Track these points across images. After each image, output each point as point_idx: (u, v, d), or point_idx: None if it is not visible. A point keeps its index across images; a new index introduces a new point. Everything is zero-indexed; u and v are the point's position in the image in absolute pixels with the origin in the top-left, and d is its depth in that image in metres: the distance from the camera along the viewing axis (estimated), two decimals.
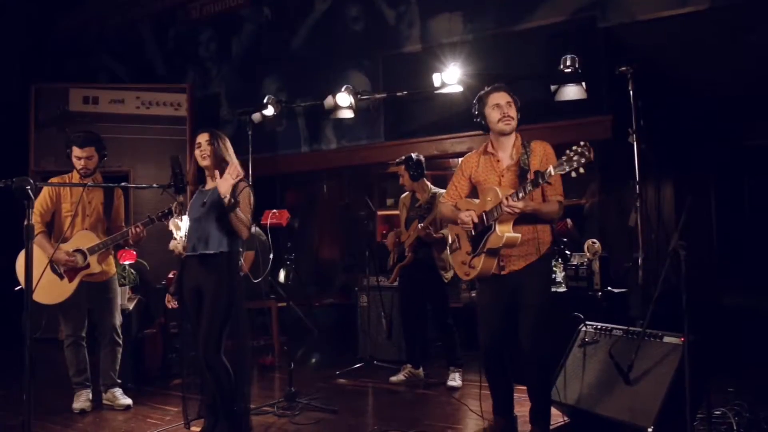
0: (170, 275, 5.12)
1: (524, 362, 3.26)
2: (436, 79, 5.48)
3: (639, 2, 5.35)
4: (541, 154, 3.21)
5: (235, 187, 3.39)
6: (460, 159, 6.79)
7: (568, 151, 2.89)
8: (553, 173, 2.94)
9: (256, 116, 6.15)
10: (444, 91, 5.54)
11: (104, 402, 4.22)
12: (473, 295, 5.96)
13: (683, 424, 2.94)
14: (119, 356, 4.24)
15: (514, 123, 3.23)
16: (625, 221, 5.51)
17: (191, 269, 3.43)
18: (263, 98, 6.44)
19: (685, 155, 6.10)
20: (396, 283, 4.88)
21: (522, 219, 3.16)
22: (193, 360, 5.06)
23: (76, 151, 4.07)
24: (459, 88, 5.43)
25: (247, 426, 3.48)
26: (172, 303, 3.60)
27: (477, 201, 3.34)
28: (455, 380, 4.49)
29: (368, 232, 7.32)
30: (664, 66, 5.53)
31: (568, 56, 4.95)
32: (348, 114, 5.89)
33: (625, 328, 3.50)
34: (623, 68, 4.87)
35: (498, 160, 3.29)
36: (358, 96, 5.87)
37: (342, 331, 6.34)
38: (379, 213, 7.66)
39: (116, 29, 7.90)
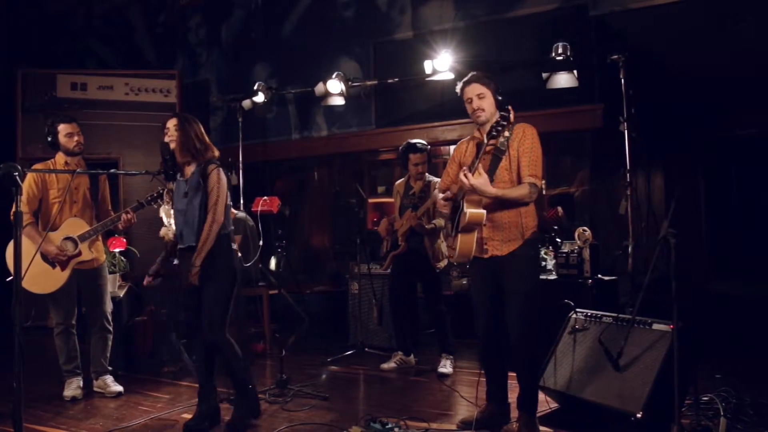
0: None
1: (512, 348, 3.27)
2: (428, 66, 5.48)
3: None
4: (520, 135, 3.20)
5: (204, 170, 3.36)
6: (451, 146, 6.86)
7: (497, 118, 2.97)
8: (486, 141, 3.02)
9: (246, 103, 6.16)
10: (435, 78, 5.54)
11: (95, 389, 4.21)
12: (464, 282, 5.98)
13: (671, 410, 2.98)
14: (110, 343, 4.23)
15: (485, 114, 3.24)
16: (615, 209, 5.57)
17: (181, 260, 3.42)
18: (253, 85, 6.44)
19: (675, 143, 6.13)
20: (388, 271, 4.86)
21: (500, 204, 3.17)
22: (185, 347, 5.09)
23: (67, 128, 4.04)
24: (450, 75, 5.43)
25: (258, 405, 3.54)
26: (149, 281, 3.57)
27: None
28: (446, 367, 4.51)
29: (359, 220, 7.32)
30: (655, 55, 5.54)
31: (560, 44, 4.97)
32: (339, 101, 5.89)
33: (615, 315, 3.53)
34: (615, 56, 4.89)
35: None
36: (349, 83, 5.86)
37: (332, 319, 6.35)
38: (370, 201, 7.67)
39: (104, 14, 7.79)
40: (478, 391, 3.46)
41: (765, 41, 5.20)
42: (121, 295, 4.75)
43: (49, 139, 4.06)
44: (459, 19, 5.99)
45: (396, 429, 3.20)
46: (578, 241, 4.37)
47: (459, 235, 3.20)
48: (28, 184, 3.98)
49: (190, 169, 3.45)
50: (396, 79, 5.86)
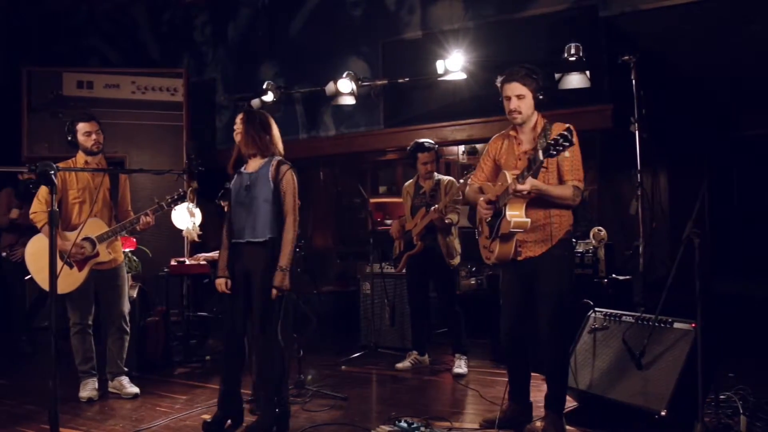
0: (173, 262, 5.09)
1: (543, 348, 3.26)
2: (440, 66, 5.49)
3: None
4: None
5: (277, 169, 3.35)
6: (460, 147, 6.89)
7: (556, 137, 2.88)
8: (541, 158, 2.93)
9: (255, 102, 6.14)
10: (447, 78, 5.54)
11: (110, 390, 4.19)
12: (473, 282, 6.02)
13: (694, 407, 3.02)
14: (126, 344, 4.21)
15: (521, 117, 3.21)
16: (623, 209, 5.62)
17: (235, 254, 3.40)
18: (260, 84, 6.43)
19: (680, 144, 6.18)
20: (403, 272, 4.85)
21: (535, 203, 3.14)
22: (197, 346, 5.05)
23: (85, 127, 4.01)
24: (462, 75, 5.45)
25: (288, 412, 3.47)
26: (223, 287, 3.43)
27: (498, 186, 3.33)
28: (461, 367, 4.52)
29: (362, 220, 7.35)
30: (663, 56, 5.58)
31: (573, 44, 4.99)
32: (349, 100, 5.89)
33: (636, 314, 3.56)
34: (626, 57, 4.92)
35: (519, 143, 3.30)
36: (360, 82, 5.86)
37: (341, 319, 6.34)
38: (372, 201, 7.68)
39: (107, 12, 7.73)
40: (506, 391, 3.46)
41: None
42: (135, 296, 4.73)
43: (69, 138, 4.04)
44: (468, 19, 5.99)
45: (422, 428, 3.20)
46: (593, 241, 4.40)
47: (498, 240, 3.19)
48: None
49: (255, 162, 3.42)
50: (407, 79, 5.85)
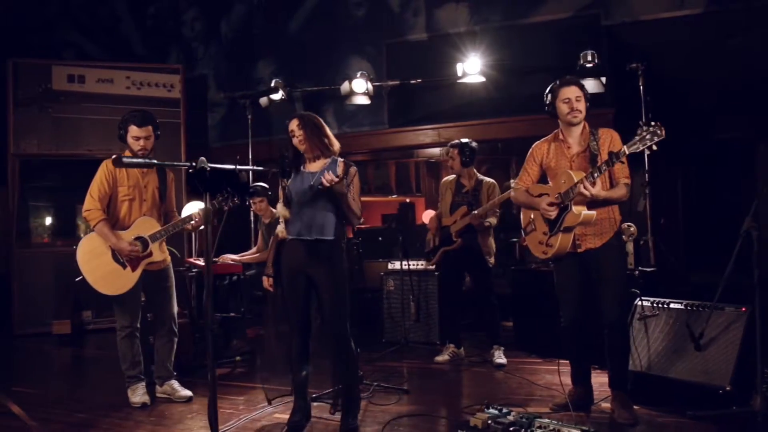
0: (198, 261, 4.97)
1: (607, 331, 3.52)
2: (459, 68, 5.64)
3: (640, 2, 5.78)
4: (609, 139, 3.48)
5: (346, 171, 3.38)
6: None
7: (639, 131, 3.17)
8: (627, 152, 3.22)
9: (263, 101, 6.06)
10: (465, 80, 5.71)
11: (158, 395, 4.05)
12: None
13: (750, 381, 3.36)
14: (175, 347, 4.09)
15: (581, 116, 3.49)
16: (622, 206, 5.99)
17: (295, 253, 3.36)
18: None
19: (661, 146, 6.65)
20: (433, 267, 5.00)
21: (600, 201, 3.39)
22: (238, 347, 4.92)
23: (135, 131, 3.86)
24: (481, 79, 5.63)
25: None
26: (266, 285, 3.46)
27: (548, 185, 3.58)
28: (501, 357, 4.70)
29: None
30: (657, 64, 6.01)
31: (589, 51, 5.29)
32: (363, 100, 5.93)
33: (686, 301, 3.88)
34: (633, 65, 5.29)
35: (569, 147, 3.55)
36: (372, 82, 5.92)
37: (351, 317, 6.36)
38: None
39: (83, 3, 7.32)
40: (560, 377, 3.69)
41: (750, 56, 5.80)
42: None
43: (120, 132, 3.88)
44: (474, 23, 6.19)
45: (512, 413, 3.34)
46: (623, 236, 4.69)
47: (560, 234, 3.43)
48: (100, 181, 3.80)
49: (317, 162, 3.43)
50: (419, 80, 5.97)
